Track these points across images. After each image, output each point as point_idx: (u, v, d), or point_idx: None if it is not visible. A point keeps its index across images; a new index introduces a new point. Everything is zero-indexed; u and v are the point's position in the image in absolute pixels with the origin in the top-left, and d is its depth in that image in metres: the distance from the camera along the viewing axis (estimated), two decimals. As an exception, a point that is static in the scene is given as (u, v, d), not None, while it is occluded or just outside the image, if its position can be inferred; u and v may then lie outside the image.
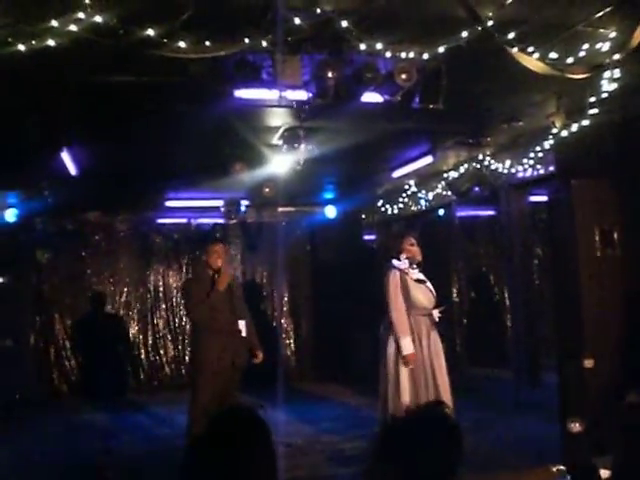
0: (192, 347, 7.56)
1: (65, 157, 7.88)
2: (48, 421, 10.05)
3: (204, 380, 6.87)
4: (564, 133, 6.91)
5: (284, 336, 12.85)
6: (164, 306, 12.77)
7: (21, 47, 4.57)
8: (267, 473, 2.41)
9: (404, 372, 6.78)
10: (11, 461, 7.79)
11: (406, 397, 6.71)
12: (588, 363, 6.39)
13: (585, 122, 6.54)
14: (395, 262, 6.91)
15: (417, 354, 6.79)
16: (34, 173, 8.71)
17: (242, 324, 7.11)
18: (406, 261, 6.92)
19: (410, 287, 6.85)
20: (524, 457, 6.49)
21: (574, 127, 6.71)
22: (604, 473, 3.28)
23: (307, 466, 7.18)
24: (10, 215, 10.88)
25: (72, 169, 8.32)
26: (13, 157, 7.59)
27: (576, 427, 4.37)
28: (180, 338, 12.66)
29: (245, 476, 2.36)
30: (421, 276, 7.00)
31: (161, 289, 12.80)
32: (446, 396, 6.80)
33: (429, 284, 7.03)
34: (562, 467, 3.43)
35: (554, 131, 7.10)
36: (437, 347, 6.92)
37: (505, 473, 2.82)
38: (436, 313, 6.95)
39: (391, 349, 6.88)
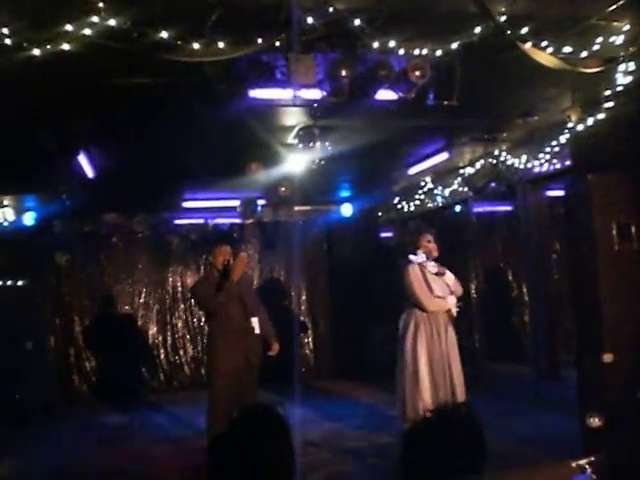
0: (207, 348, 7.59)
1: (82, 160, 7.93)
2: (67, 422, 10.12)
3: (220, 380, 6.89)
4: (580, 127, 6.87)
5: (302, 334, 12.87)
6: (182, 306, 12.82)
7: (36, 52, 4.61)
8: (287, 470, 2.44)
9: (423, 369, 6.80)
10: (31, 463, 7.85)
11: (426, 394, 6.73)
12: (607, 358, 6.35)
13: (601, 116, 6.50)
14: (412, 257, 6.98)
15: (435, 348, 6.82)
16: (52, 177, 8.76)
17: (255, 321, 7.12)
18: (423, 255, 6.97)
19: (429, 279, 6.91)
20: (543, 452, 6.47)
21: (590, 121, 6.66)
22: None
23: (326, 463, 7.20)
24: (28, 218, 10.95)
25: (89, 172, 8.37)
26: (31, 161, 7.65)
27: (595, 422, 4.36)
28: (199, 338, 12.70)
29: (265, 474, 2.38)
30: (439, 268, 7.04)
31: (179, 290, 12.85)
32: (460, 391, 6.82)
33: (447, 277, 7.05)
34: (582, 462, 3.43)
35: (570, 125, 7.06)
36: (453, 342, 6.95)
37: (524, 469, 2.83)
38: (454, 308, 6.97)
39: (408, 346, 6.90)
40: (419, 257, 7.01)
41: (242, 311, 7.08)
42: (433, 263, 7.04)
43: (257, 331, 7.14)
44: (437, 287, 6.96)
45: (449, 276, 7.10)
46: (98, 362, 12.22)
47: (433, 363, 6.84)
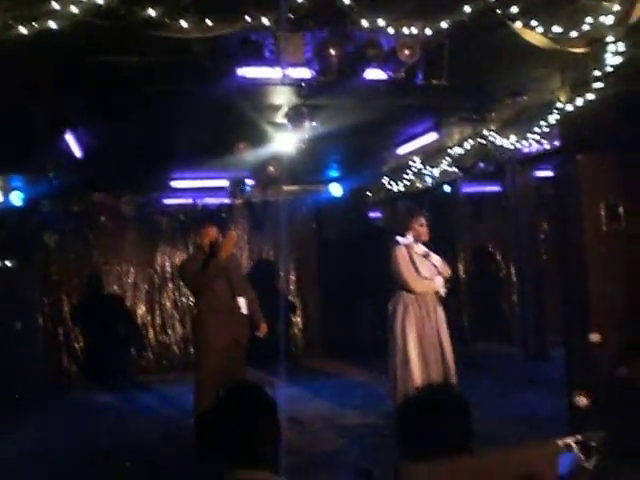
0: (194, 326, 7.59)
1: (69, 139, 7.88)
2: (57, 403, 10.13)
3: (207, 359, 6.90)
4: (569, 107, 6.87)
5: (291, 314, 12.89)
6: (171, 286, 12.79)
7: (22, 30, 4.57)
8: (272, 448, 2.45)
9: (412, 348, 6.86)
10: (21, 445, 7.85)
11: (416, 373, 6.79)
12: (594, 337, 6.39)
13: (590, 96, 6.49)
14: (399, 239, 7.03)
15: (425, 329, 6.88)
16: (39, 156, 8.71)
17: (242, 301, 7.13)
18: (410, 238, 7.01)
19: (416, 261, 6.97)
20: (531, 431, 6.52)
21: (579, 101, 6.66)
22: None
23: (315, 441, 7.23)
24: (16, 198, 10.89)
25: (77, 151, 8.32)
26: (18, 140, 7.59)
27: (582, 401, 4.39)
28: (187, 318, 12.67)
29: (251, 450, 2.40)
30: (426, 250, 7.08)
31: (168, 270, 12.82)
32: (452, 370, 6.89)
33: (433, 258, 7.09)
34: (568, 440, 3.44)
35: (559, 106, 7.06)
36: (442, 322, 7.00)
37: (510, 447, 2.84)
38: (442, 288, 7.01)
39: (398, 327, 6.95)
40: (406, 239, 7.05)
41: (229, 290, 7.07)
42: (421, 245, 7.08)
43: (244, 311, 7.15)
44: (424, 268, 7.01)
45: (435, 258, 7.13)
46: (87, 342, 12.19)
47: (423, 344, 6.90)
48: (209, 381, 6.74)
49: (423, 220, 7.13)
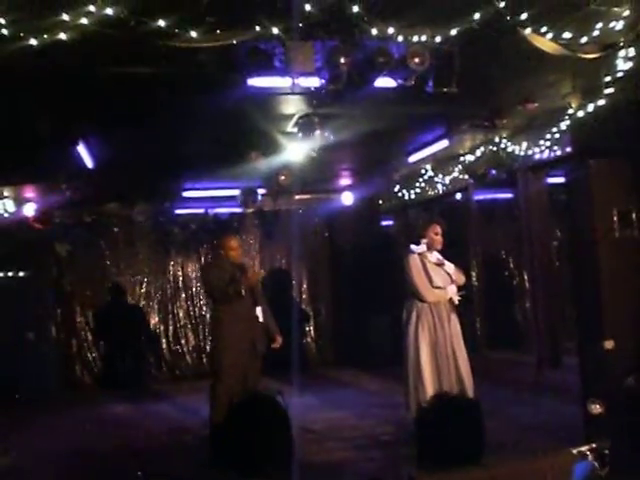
0: (212, 335, 7.57)
1: (81, 150, 7.91)
2: (71, 413, 10.14)
3: (225, 368, 6.90)
4: (580, 113, 6.85)
5: (304, 323, 12.88)
6: (184, 296, 12.84)
7: (33, 41, 4.59)
8: (285, 458, 2.45)
9: (425, 358, 6.82)
10: (34, 453, 7.87)
11: (428, 383, 6.77)
12: (608, 345, 6.34)
13: (601, 102, 6.47)
14: (413, 247, 7.02)
15: (438, 338, 6.85)
16: (51, 167, 8.73)
17: (259, 310, 7.14)
18: (424, 246, 7.00)
19: (429, 269, 6.94)
20: (545, 440, 6.48)
21: (590, 107, 6.64)
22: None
23: (328, 451, 7.21)
24: (29, 209, 10.94)
25: (89, 162, 8.35)
26: (30, 151, 7.63)
27: (596, 409, 4.36)
28: (200, 327, 12.73)
29: (264, 461, 2.40)
30: (439, 258, 7.06)
31: (180, 279, 12.87)
32: (467, 379, 6.84)
33: (448, 267, 7.07)
34: (583, 449, 3.41)
35: (570, 111, 7.05)
36: (457, 330, 6.97)
37: (525, 456, 2.83)
38: (455, 296, 6.98)
39: (411, 336, 6.94)
40: (420, 247, 7.03)
41: (251, 299, 7.11)
42: (434, 253, 7.06)
43: (261, 319, 7.17)
44: (437, 277, 6.98)
45: (449, 266, 7.11)
46: (102, 352, 12.23)
47: (436, 353, 6.86)
48: (227, 390, 6.74)
49: (438, 228, 7.10)
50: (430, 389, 6.73)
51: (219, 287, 7.02)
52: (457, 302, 7.05)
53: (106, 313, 12.39)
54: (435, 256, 7.08)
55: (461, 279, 7.15)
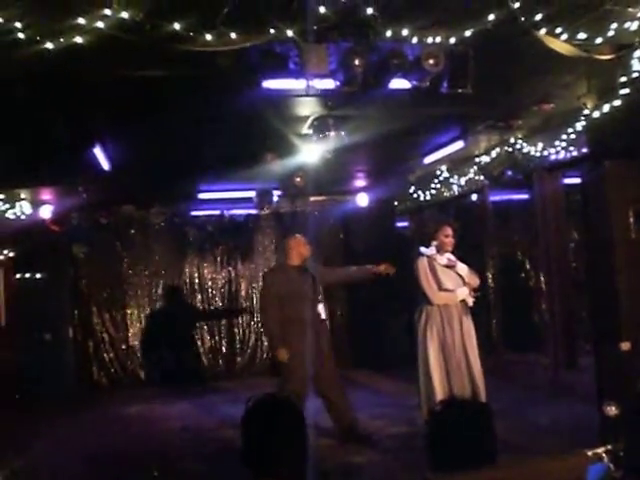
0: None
1: (98, 153, 7.95)
2: (88, 413, 10.20)
3: (293, 368, 7.04)
4: (596, 114, 6.83)
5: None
6: (200, 297, 12.89)
7: (49, 45, 4.62)
8: (301, 460, 2.47)
9: (433, 360, 6.85)
10: (52, 453, 7.92)
11: (437, 385, 6.80)
12: (625, 346, 6.32)
13: (617, 102, 6.44)
14: (422, 249, 7.05)
15: (447, 340, 6.86)
16: (68, 169, 8.79)
17: (321, 308, 7.35)
18: (433, 248, 7.02)
19: (438, 272, 6.96)
20: (561, 441, 6.46)
21: (606, 107, 6.62)
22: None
23: (342, 452, 7.21)
24: (46, 211, 11.01)
25: (105, 164, 8.39)
26: (47, 154, 7.69)
27: (612, 410, 4.33)
28: (216, 329, 12.78)
29: (278, 462, 2.41)
30: (451, 259, 7.05)
31: (196, 280, 12.91)
32: (479, 381, 6.84)
33: (460, 268, 7.06)
34: (598, 451, 3.41)
35: (586, 112, 7.02)
36: (469, 332, 6.96)
37: (540, 458, 2.82)
38: (469, 298, 6.97)
39: (420, 338, 6.98)
40: (429, 250, 7.05)
41: (313, 299, 7.31)
42: (447, 255, 7.06)
43: (323, 316, 7.38)
44: (447, 279, 6.99)
45: (462, 267, 7.10)
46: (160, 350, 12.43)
47: (445, 355, 6.88)
48: (294, 390, 6.83)
49: (449, 230, 7.10)
50: (439, 391, 6.76)
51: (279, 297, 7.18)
52: (471, 304, 7.05)
53: (161, 313, 12.59)
54: (446, 258, 7.08)
55: (475, 281, 7.14)
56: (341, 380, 7.71)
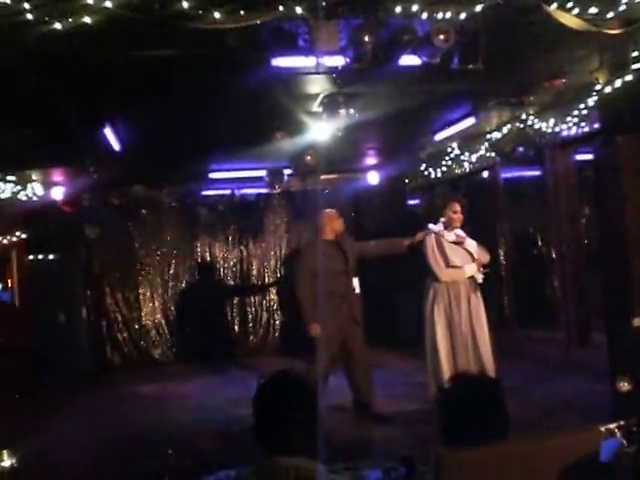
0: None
1: (108, 133, 7.96)
2: (102, 394, 10.28)
3: (326, 342, 7.14)
4: (608, 89, 6.77)
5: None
6: (212, 276, 12.94)
7: (58, 25, 4.61)
8: (311, 435, 2.48)
9: (440, 337, 6.89)
10: (66, 433, 7.99)
11: (444, 362, 6.84)
12: (637, 322, 6.30)
13: (629, 77, 6.38)
14: (430, 225, 7.06)
15: (454, 317, 6.87)
16: (79, 150, 8.80)
17: (356, 282, 7.50)
18: (441, 225, 7.02)
19: (445, 249, 6.97)
20: (574, 417, 6.47)
21: (618, 82, 6.56)
22: None
23: (356, 429, 7.25)
24: (57, 192, 11.04)
25: (116, 145, 8.40)
26: (57, 135, 7.69)
27: (625, 386, 4.34)
28: (228, 308, 12.83)
29: (290, 437, 2.43)
30: (460, 235, 7.04)
31: (208, 260, 12.94)
32: (487, 358, 6.85)
33: (469, 244, 7.05)
34: (611, 426, 3.41)
35: (597, 87, 6.96)
36: (477, 310, 6.96)
37: (552, 433, 2.83)
38: (478, 274, 6.97)
39: (427, 315, 7.01)
40: (437, 226, 7.06)
41: (346, 272, 7.45)
42: (455, 231, 7.05)
43: (357, 290, 7.50)
44: (455, 256, 7.00)
45: (470, 243, 7.09)
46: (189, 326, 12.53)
47: (452, 332, 6.92)
48: (328, 363, 7.11)
49: (457, 207, 7.10)
50: (446, 368, 6.80)
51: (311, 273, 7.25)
52: (480, 280, 7.05)
53: (194, 289, 12.70)
54: (454, 234, 7.07)
55: (485, 257, 7.13)
56: (368, 355, 7.73)
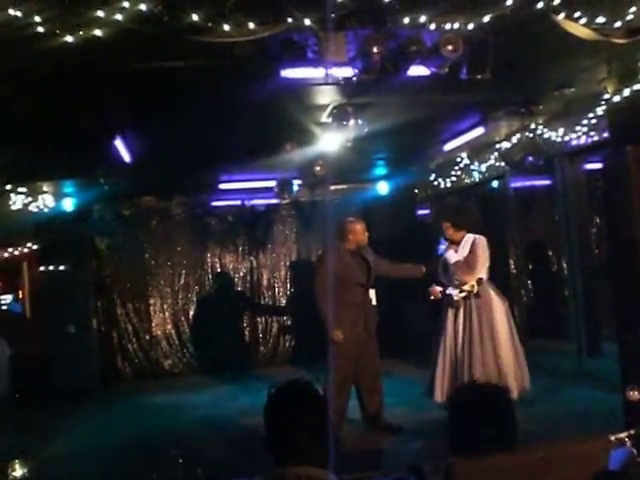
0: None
1: (119, 145, 8.00)
2: (112, 403, 10.30)
3: (344, 351, 7.19)
4: (616, 98, 6.77)
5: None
6: (222, 287, 12.95)
7: (69, 38, 4.65)
8: (321, 444, 2.49)
9: (440, 352, 6.96)
10: (76, 441, 8.02)
11: (440, 374, 6.91)
12: (647, 331, 6.29)
13: (637, 86, 6.39)
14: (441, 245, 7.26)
15: (457, 331, 6.92)
16: (90, 162, 8.85)
17: (372, 293, 7.55)
18: (446, 243, 7.13)
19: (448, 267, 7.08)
20: (585, 427, 6.45)
21: (626, 91, 6.56)
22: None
23: (365, 439, 7.25)
24: (68, 204, 11.10)
25: (126, 156, 8.44)
26: (69, 147, 7.74)
27: (635, 395, 4.33)
28: (238, 318, 12.84)
29: (300, 446, 2.44)
30: (451, 254, 7.11)
31: (218, 270, 12.96)
32: (495, 369, 6.84)
33: (453, 256, 7.12)
34: (621, 436, 3.41)
35: (606, 96, 6.96)
36: (479, 325, 6.90)
37: (563, 442, 2.83)
38: (455, 293, 7.00)
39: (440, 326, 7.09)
40: (443, 245, 7.16)
41: (365, 284, 7.51)
42: (452, 248, 7.12)
43: (374, 302, 7.56)
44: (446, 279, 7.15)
45: (452, 257, 7.11)
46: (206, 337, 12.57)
47: (457, 345, 6.93)
48: (346, 376, 7.13)
49: (446, 223, 7.21)
50: (440, 379, 6.89)
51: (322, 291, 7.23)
52: (455, 299, 7.04)
53: (211, 300, 12.75)
54: (453, 254, 7.13)
55: (461, 272, 7.08)
56: (380, 366, 7.76)
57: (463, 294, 6.94)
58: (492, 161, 10.78)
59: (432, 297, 7.19)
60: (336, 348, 7.18)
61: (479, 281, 6.95)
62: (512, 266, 11.11)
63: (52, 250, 11.54)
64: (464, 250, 7.10)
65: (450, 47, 5.44)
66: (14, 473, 3.67)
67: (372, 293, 7.54)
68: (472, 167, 11.38)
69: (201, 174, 10.63)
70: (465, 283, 7.03)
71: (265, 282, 13.05)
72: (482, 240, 7.09)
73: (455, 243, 7.11)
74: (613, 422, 5.93)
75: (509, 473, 2.49)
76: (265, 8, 4.99)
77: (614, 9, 5.07)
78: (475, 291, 6.92)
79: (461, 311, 6.95)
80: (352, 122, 7.34)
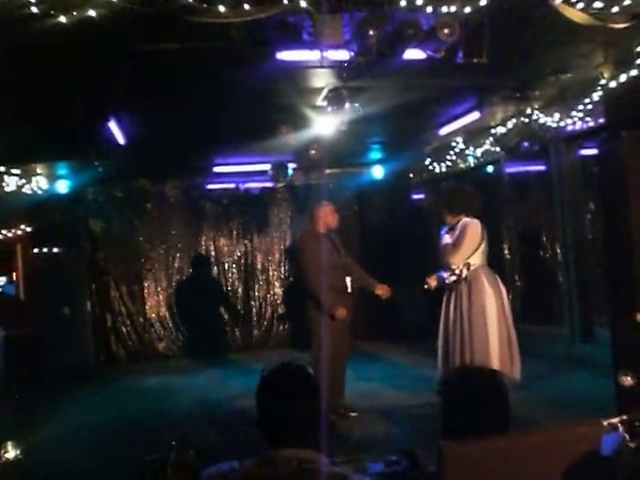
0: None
1: (113, 127, 7.97)
2: (106, 386, 10.30)
3: (327, 336, 7.06)
4: (613, 84, 6.76)
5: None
6: (215, 270, 12.95)
7: (62, 19, 4.61)
8: (315, 427, 2.49)
9: (440, 335, 6.96)
10: (70, 424, 8.02)
11: (440, 357, 6.92)
12: (640, 317, 6.31)
13: (634, 72, 6.37)
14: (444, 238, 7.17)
15: (450, 314, 6.90)
16: (84, 144, 8.81)
17: (349, 280, 7.42)
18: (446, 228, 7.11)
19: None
20: (577, 412, 6.47)
21: (622, 77, 6.55)
22: None
23: (359, 424, 7.26)
24: (62, 186, 11.06)
25: (120, 138, 8.40)
26: (62, 129, 7.70)
27: (628, 380, 4.33)
28: (230, 301, 12.87)
29: (294, 429, 2.44)
30: (445, 239, 7.09)
31: (212, 253, 12.96)
32: (487, 353, 6.82)
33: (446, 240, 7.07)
34: (613, 421, 3.42)
35: (602, 82, 6.95)
36: (473, 308, 6.83)
37: (554, 427, 2.84)
38: (446, 275, 6.97)
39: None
40: (443, 231, 7.14)
41: (344, 270, 7.42)
42: (448, 232, 7.08)
43: (349, 290, 7.44)
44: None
45: (444, 241, 7.07)
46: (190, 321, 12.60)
47: (448, 330, 6.92)
48: (331, 359, 6.94)
49: (445, 210, 7.16)
50: (440, 361, 6.90)
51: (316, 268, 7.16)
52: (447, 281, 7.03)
53: (189, 284, 12.72)
54: (449, 237, 7.08)
55: (447, 254, 7.02)
56: (349, 355, 7.72)
57: (453, 278, 6.89)
58: (487, 146, 10.76)
59: (425, 286, 7.13)
60: (330, 326, 7.13)
61: (467, 265, 6.83)
62: (506, 251, 11.12)
63: (46, 232, 11.52)
64: (457, 234, 7.06)
65: (446, 30, 5.41)
66: (6, 455, 3.68)
67: (348, 280, 7.45)
68: (467, 152, 11.36)
69: (195, 157, 10.60)
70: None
71: (259, 265, 13.05)
72: (473, 223, 6.90)
73: (453, 228, 7.07)
74: (605, 408, 5.94)
75: (501, 457, 2.50)
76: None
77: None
78: (464, 276, 6.81)
79: (452, 297, 6.91)
80: (347, 105, 7.31)
